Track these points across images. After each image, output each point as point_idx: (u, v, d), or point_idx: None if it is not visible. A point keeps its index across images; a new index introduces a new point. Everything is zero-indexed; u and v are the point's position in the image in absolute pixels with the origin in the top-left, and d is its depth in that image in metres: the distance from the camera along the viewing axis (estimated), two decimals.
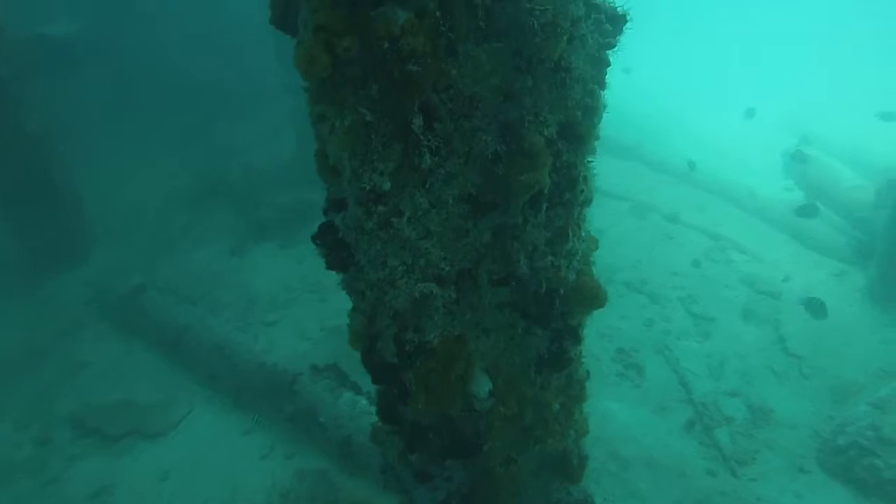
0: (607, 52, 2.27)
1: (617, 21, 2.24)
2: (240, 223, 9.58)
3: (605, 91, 2.34)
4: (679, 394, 6.46)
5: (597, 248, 2.65)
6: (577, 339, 2.67)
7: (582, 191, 2.39)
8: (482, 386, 2.59)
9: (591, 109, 2.28)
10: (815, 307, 7.00)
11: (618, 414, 6.14)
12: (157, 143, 12.02)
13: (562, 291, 2.46)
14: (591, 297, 2.52)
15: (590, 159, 2.41)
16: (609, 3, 2.25)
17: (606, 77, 2.33)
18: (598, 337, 7.03)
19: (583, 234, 2.52)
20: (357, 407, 5.67)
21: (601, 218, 9.32)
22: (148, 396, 6.70)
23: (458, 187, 2.16)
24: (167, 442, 6.25)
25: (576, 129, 2.26)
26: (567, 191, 2.36)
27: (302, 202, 9.53)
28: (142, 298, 7.51)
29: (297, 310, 7.67)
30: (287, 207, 9.45)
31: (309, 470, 5.65)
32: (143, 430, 6.36)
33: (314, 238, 2.57)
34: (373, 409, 5.73)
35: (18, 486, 5.87)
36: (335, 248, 2.55)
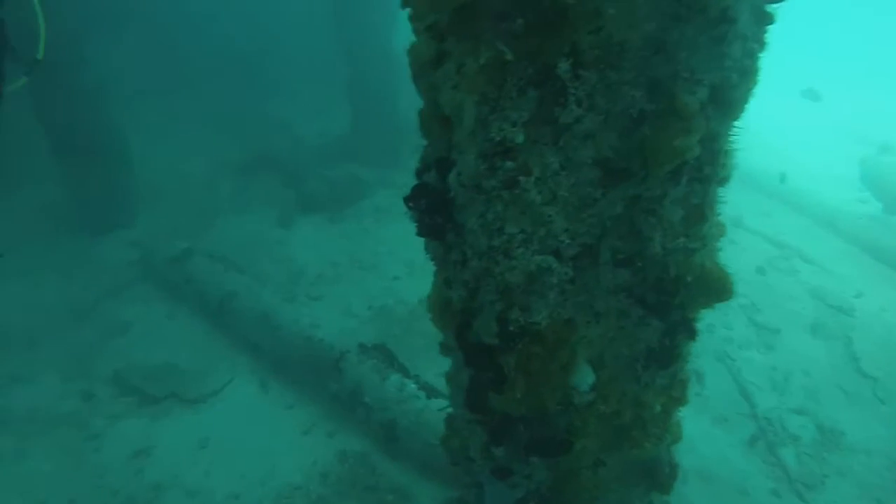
0: (772, 5, 1.97)
1: None
2: (287, 195, 9.43)
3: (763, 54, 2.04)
4: (740, 406, 6.10)
5: (724, 234, 2.35)
6: (692, 333, 2.38)
7: (723, 166, 2.10)
8: (585, 378, 2.31)
9: (748, 73, 1.97)
10: None
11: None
12: (204, 112, 11.96)
13: (689, 279, 2.16)
14: (718, 288, 2.23)
15: (733, 131, 2.12)
16: None
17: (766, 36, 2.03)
18: None
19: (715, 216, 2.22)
20: (404, 390, 5.45)
21: None
22: (190, 361, 6.57)
23: (594, 148, 1.88)
24: (207, 409, 6.11)
25: (728, 93, 1.96)
26: (707, 164, 2.06)
27: (351, 177, 9.35)
28: (188, 263, 7.38)
29: (344, 286, 7.47)
30: (336, 181, 9.26)
31: (351, 451, 5.46)
32: (184, 394, 6.23)
33: (407, 200, 2.31)
34: (420, 393, 5.53)
35: (62, 436, 5.80)
36: (431, 212, 2.29)
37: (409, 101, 10.24)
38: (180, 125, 11.50)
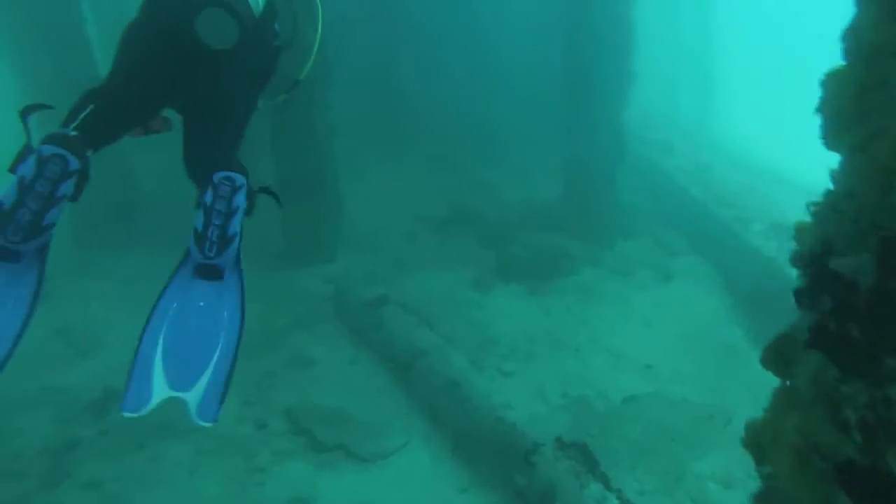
0: None
1: None
2: (487, 257, 9.01)
3: None
4: None
5: None
6: None
7: None
8: None
9: None
10: None
11: None
12: (411, 160, 12.09)
13: None
14: None
15: None
16: None
17: None
18: None
19: None
20: None
21: None
22: (365, 413, 6.15)
23: None
24: (375, 471, 5.59)
25: None
26: None
27: (557, 249, 8.76)
28: (382, 309, 7.10)
29: (538, 365, 6.74)
30: (540, 251, 8.70)
31: None
32: (354, 448, 5.77)
33: (799, 293, 1.55)
34: None
35: (232, 462, 5.60)
36: (840, 316, 1.50)
37: (629, 181, 9.53)
38: (385, 169, 11.70)
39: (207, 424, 2.54)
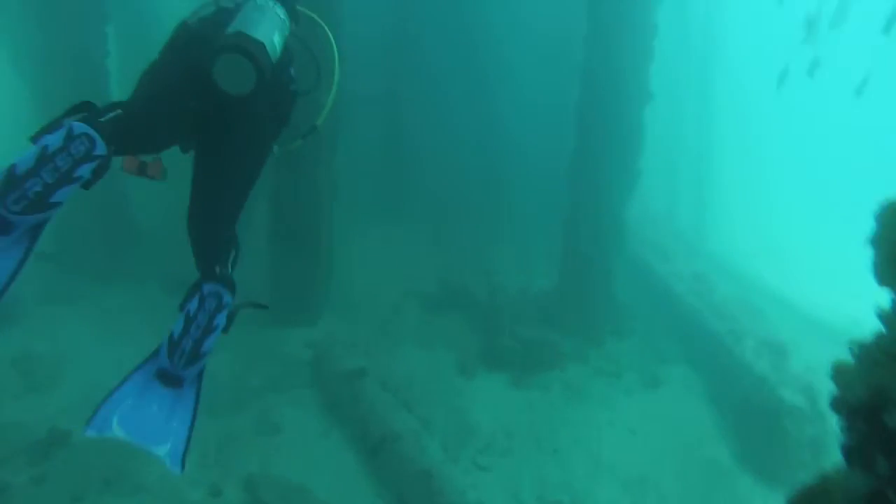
0: None
1: None
2: (474, 342, 8.76)
3: None
4: None
5: None
6: None
7: None
8: None
9: None
10: None
11: None
12: (409, 229, 12.00)
13: None
14: None
15: None
16: None
17: None
18: None
19: None
20: None
21: None
22: (329, 493, 5.77)
23: None
24: None
25: None
26: None
27: (546, 342, 8.55)
28: (360, 383, 6.81)
29: (516, 462, 6.42)
30: (529, 343, 8.48)
31: None
32: None
33: (847, 450, 1.37)
34: None
35: None
36: None
37: (628, 279, 9.39)
38: (381, 235, 11.58)
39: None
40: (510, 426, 7.00)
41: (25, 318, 7.51)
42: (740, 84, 21.96)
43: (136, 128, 2.59)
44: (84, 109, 2.47)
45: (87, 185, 2.34)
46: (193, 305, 2.56)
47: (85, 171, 2.26)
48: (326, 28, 3.51)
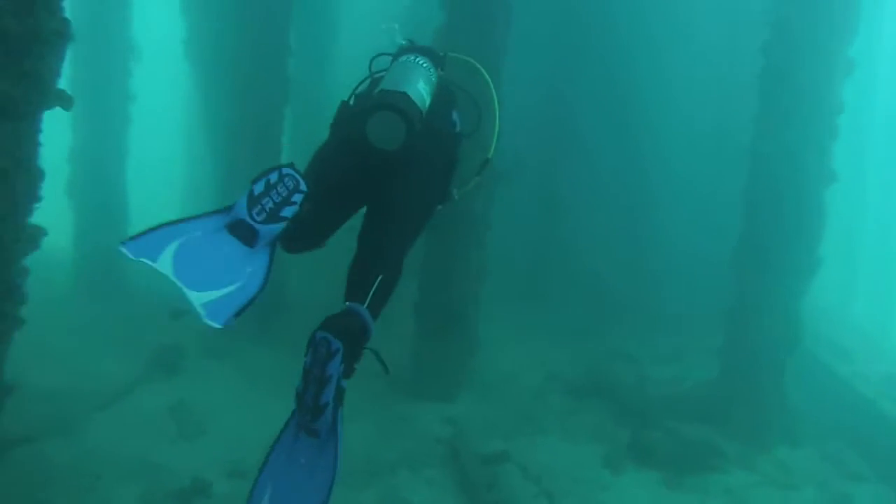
0: None
1: None
2: (621, 435, 8.03)
3: None
4: None
5: None
6: None
7: None
8: None
9: None
10: None
11: None
12: (555, 311, 11.59)
13: None
14: None
15: None
16: None
17: None
18: None
19: None
20: None
21: None
22: None
23: None
24: None
25: None
26: None
27: (705, 440, 7.68)
28: (499, 468, 6.41)
29: None
30: (685, 439, 7.65)
31: None
32: None
33: None
34: None
35: None
36: None
37: (796, 380, 8.29)
38: (526, 319, 11.27)
39: (216, 325, 2.42)
40: None
41: (186, 368, 7.96)
42: None
43: (321, 192, 2.78)
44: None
45: (298, 215, 2.65)
46: (308, 357, 2.52)
47: (297, 198, 2.61)
48: (482, 68, 3.57)
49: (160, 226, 2.47)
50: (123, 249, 2.35)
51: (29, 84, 3.41)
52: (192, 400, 7.61)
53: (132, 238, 2.40)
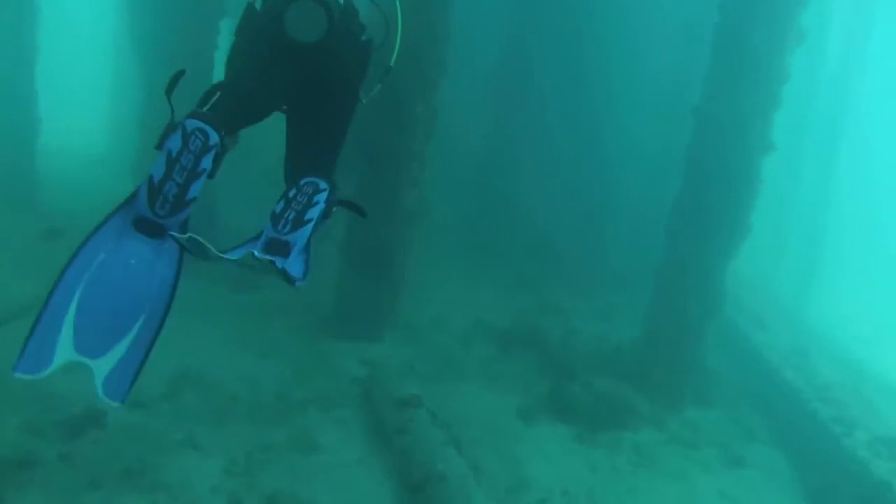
0: None
1: None
2: (540, 386, 8.05)
3: None
4: None
5: None
6: None
7: None
8: None
9: None
10: None
11: None
12: (492, 263, 11.50)
13: None
14: None
15: None
16: None
17: None
18: None
19: None
20: None
21: None
22: None
23: None
24: None
25: None
26: None
27: (622, 401, 7.74)
28: (410, 412, 6.27)
29: None
30: (602, 395, 7.71)
31: None
32: None
33: None
34: None
35: None
36: None
37: (717, 345, 8.44)
38: (461, 264, 11.14)
39: (113, 403, 2.38)
40: (568, 485, 6.24)
41: None
42: (870, 144, 20.21)
43: (236, 105, 2.75)
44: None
45: (212, 175, 2.52)
46: (291, 192, 2.64)
47: (207, 162, 2.47)
48: None
49: (46, 306, 2.32)
50: (19, 375, 2.26)
51: None
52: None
53: (23, 351, 2.27)
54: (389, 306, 8.61)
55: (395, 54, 3.37)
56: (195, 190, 2.46)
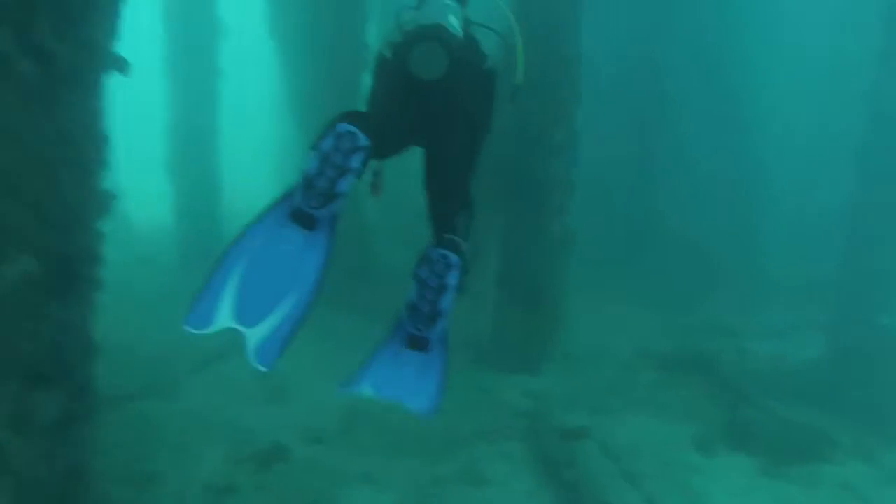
0: None
1: None
2: (716, 415, 7.51)
3: None
4: None
5: None
6: None
7: None
8: None
9: None
10: None
11: None
12: (647, 284, 11.04)
13: None
14: None
15: None
16: None
17: None
18: None
19: None
20: None
21: None
22: None
23: None
24: None
25: None
26: None
27: (813, 425, 7.00)
28: (579, 444, 6.12)
29: None
30: (790, 423, 7.03)
31: None
32: None
33: None
34: None
35: None
36: None
37: None
38: (617, 290, 10.80)
39: (262, 369, 2.66)
40: None
41: None
42: None
43: (378, 123, 2.92)
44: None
45: (358, 175, 2.73)
46: (424, 271, 2.80)
47: (355, 161, 2.67)
48: (504, 6, 3.65)
49: (213, 275, 2.62)
50: (187, 328, 2.56)
51: (88, 50, 3.44)
52: (278, 366, 7.75)
53: (191, 308, 2.58)
54: (547, 337, 8.54)
55: (521, 73, 3.46)
56: (343, 185, 2.67)
